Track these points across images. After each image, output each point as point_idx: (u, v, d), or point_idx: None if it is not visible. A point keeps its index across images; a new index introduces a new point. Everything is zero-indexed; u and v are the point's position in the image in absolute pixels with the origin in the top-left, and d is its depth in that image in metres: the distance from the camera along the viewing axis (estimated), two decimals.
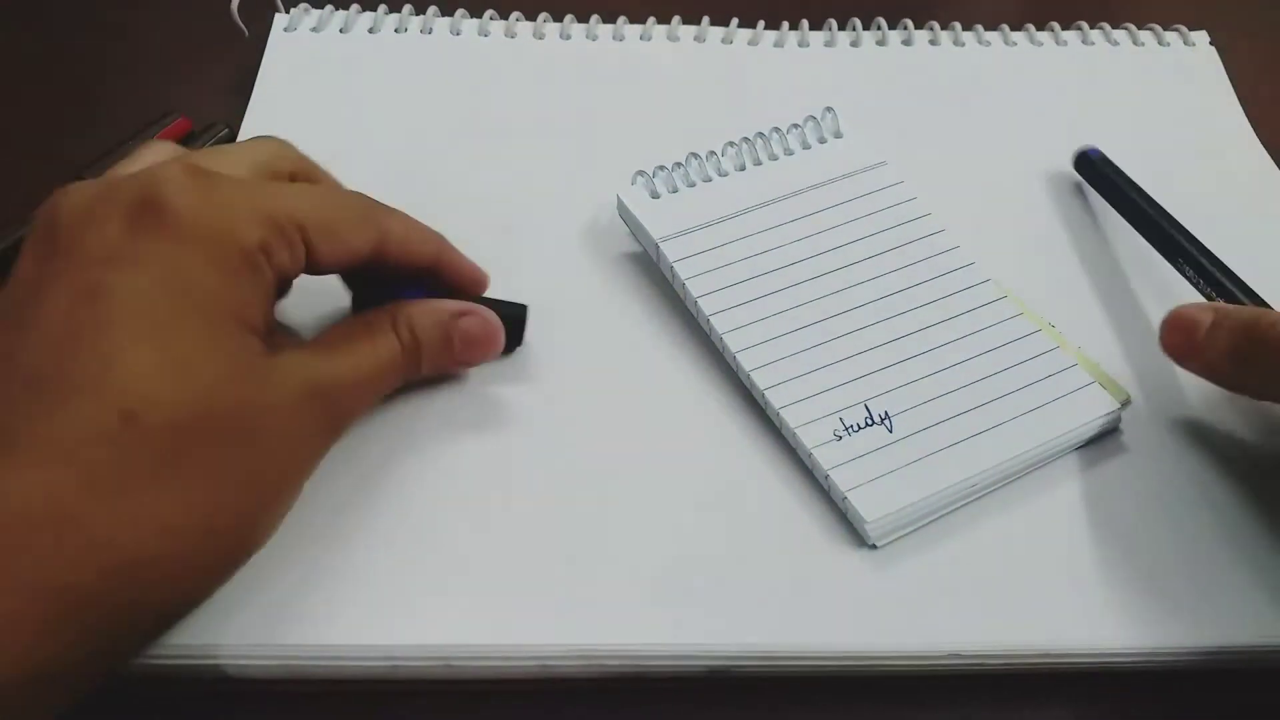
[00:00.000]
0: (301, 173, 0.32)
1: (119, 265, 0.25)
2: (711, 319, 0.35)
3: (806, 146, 0.40)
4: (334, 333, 0.30)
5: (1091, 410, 0.33)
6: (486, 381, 0.34)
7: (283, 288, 0.30)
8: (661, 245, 0.36)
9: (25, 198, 0.40)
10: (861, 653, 0.29)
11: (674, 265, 0.36)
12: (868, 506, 0.30)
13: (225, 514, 0.26)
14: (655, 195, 0.38)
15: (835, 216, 0.38)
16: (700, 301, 0.35)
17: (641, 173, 0.38)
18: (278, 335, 0.29)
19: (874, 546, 0.30)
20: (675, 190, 0.38)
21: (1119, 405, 0.34)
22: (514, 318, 0.34)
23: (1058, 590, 0.30)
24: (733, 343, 0.34)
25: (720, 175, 0.38)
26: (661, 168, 0.38)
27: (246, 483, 0.26)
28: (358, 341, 0.30)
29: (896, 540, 0.31)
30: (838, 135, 0.40)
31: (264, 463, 0.27)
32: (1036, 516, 0.32)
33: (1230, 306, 0.34)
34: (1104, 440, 0.34)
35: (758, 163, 0.39)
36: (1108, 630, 0.29)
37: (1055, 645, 0.29)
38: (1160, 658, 0.29)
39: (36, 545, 0.22)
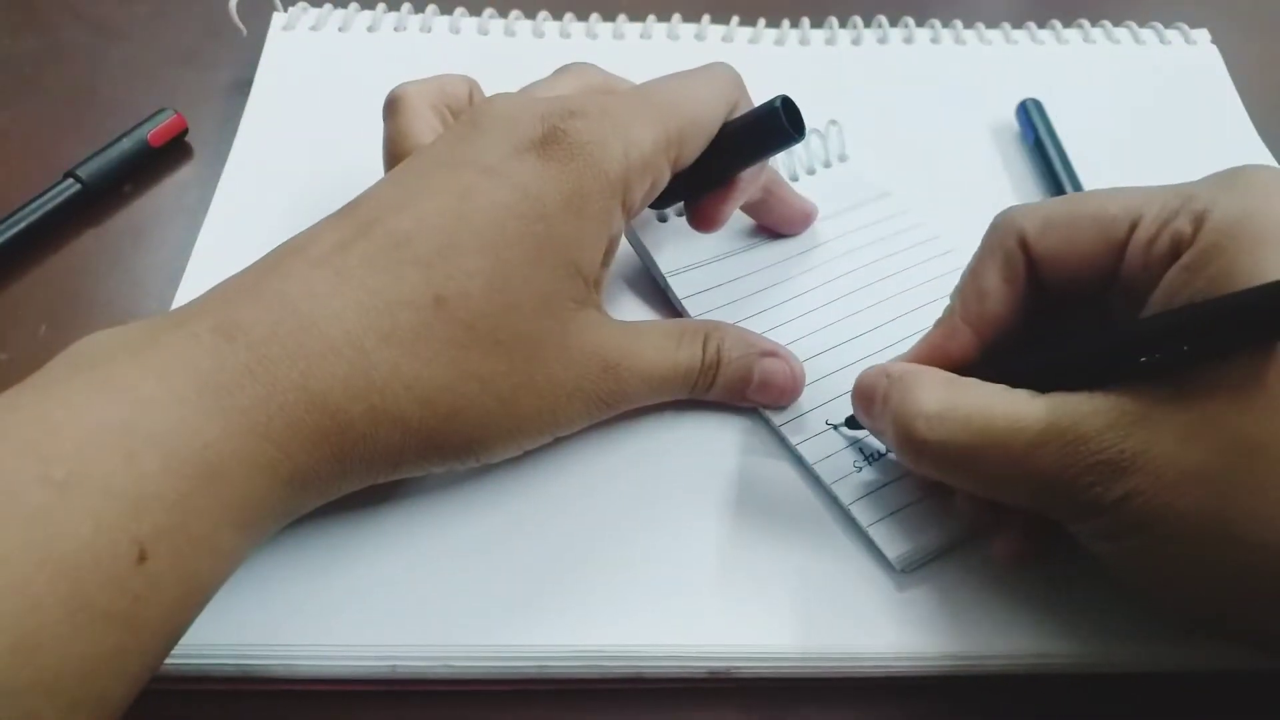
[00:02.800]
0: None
1: (494, 177, 0.28)
2: None
3: (811, 172, 0.40)
4: (645, 324, 0.32)
5: None
6: None
7: (632, 215, 0.31)
8: (670, 279, 0.36)
9: (25, 198, 0.40)
10: (861, 654, 0.29)
11: (683, 301, 0.35)
12: (890, 544, 0.30)
13: (473, 413, 0.27)
14: (663, 219, 0.37)
15: (839, 247, 0.38)
16: None
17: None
18: (597, 294, 0.31)
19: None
20: (683, 214, 0.37)
21: None
22: (772, 127, 0.32)
23: (1059, 591, 0.30)
24: None
25: None
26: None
27: (506, 399, 0.28)
28: (663, 339, 0.31)
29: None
30: (842, 158, 0.40)
31: (530, 394, 0.28)
32: None
33: (899, 367, 0.29)
34: None
35: None
36: (1102, 633, 0.29)
37: (1056, 647, 0.29)
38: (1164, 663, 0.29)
39: (329, 365, 0.25)
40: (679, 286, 0.36)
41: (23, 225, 0.39)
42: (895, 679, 0.29)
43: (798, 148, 0.40)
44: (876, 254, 0.37)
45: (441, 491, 0.31)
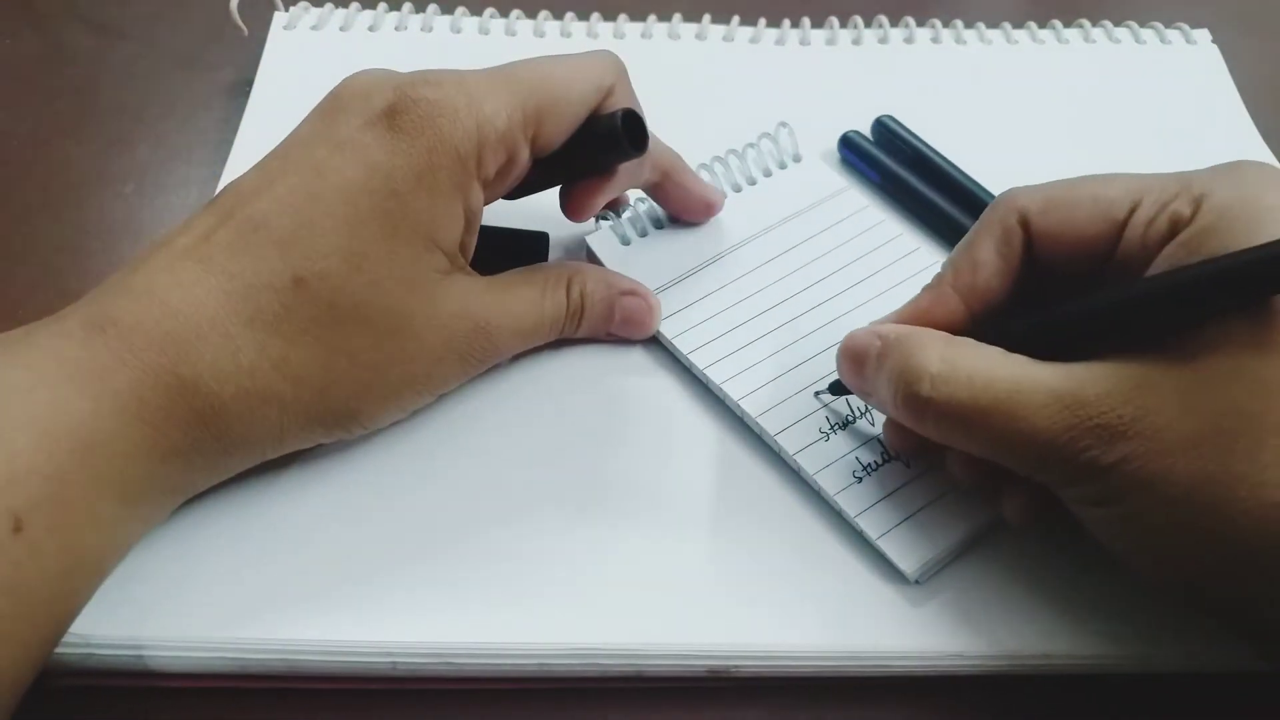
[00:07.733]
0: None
1: (345, 152, 0.28)
2: (706, 370, 0.34)
3: (768, 174, 0.39)
4: (510, 276, 0.33)
5: None
6: (495, 389, 0.34)
7: (495, 193, 0.32)
8: None
9: (25, 198, 0.40)
10: (862, 653, 0.29)
11: (659, 328, 0.35)
12: (903, 557, 0.30)
13: (346, 384, 0.29)
14: (625, 242, 0.37)
15: (810, 250, 0.37)
16: (691, 356, 0.34)
17: (605, 216, 0.37)
18: (463, 260, 0.31)
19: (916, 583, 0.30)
20: (645, 234, 0.37)
21: None
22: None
23: (1064, 592, 0.30)
24: (732, 390, 0.33)
25: None
26: (627, 207, 0.37)
27: (376, 368, 0.29)
28: (530, 290, 0.33)
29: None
30: (796, 159, 0.40)
31: (401, 361, 0.29)
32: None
33: (893, 329, 0.29)
34: None
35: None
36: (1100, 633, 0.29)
37: (1061, 648, 0.29)
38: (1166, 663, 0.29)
39: (197, 350, 0.26)
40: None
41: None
42: (896, 678, 0.29)
43: (749, 151, 0.39)
44: (845, 256, 0.37)
45: (442, 490, 0.31)
